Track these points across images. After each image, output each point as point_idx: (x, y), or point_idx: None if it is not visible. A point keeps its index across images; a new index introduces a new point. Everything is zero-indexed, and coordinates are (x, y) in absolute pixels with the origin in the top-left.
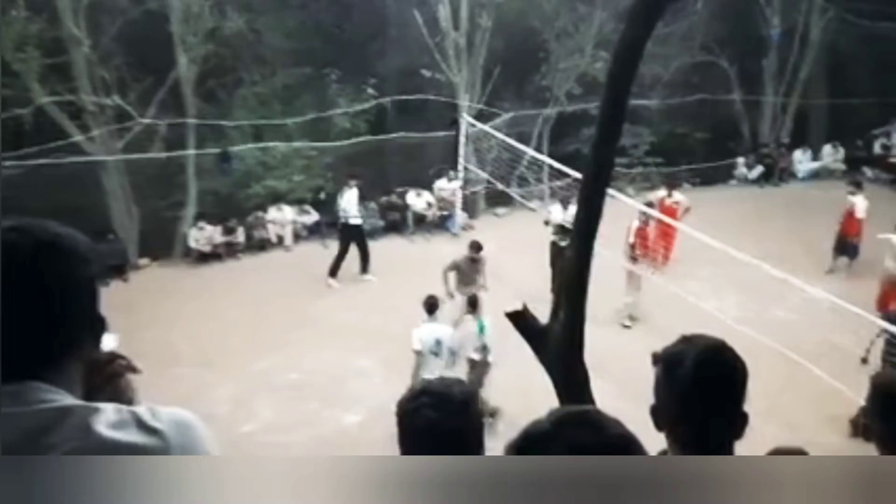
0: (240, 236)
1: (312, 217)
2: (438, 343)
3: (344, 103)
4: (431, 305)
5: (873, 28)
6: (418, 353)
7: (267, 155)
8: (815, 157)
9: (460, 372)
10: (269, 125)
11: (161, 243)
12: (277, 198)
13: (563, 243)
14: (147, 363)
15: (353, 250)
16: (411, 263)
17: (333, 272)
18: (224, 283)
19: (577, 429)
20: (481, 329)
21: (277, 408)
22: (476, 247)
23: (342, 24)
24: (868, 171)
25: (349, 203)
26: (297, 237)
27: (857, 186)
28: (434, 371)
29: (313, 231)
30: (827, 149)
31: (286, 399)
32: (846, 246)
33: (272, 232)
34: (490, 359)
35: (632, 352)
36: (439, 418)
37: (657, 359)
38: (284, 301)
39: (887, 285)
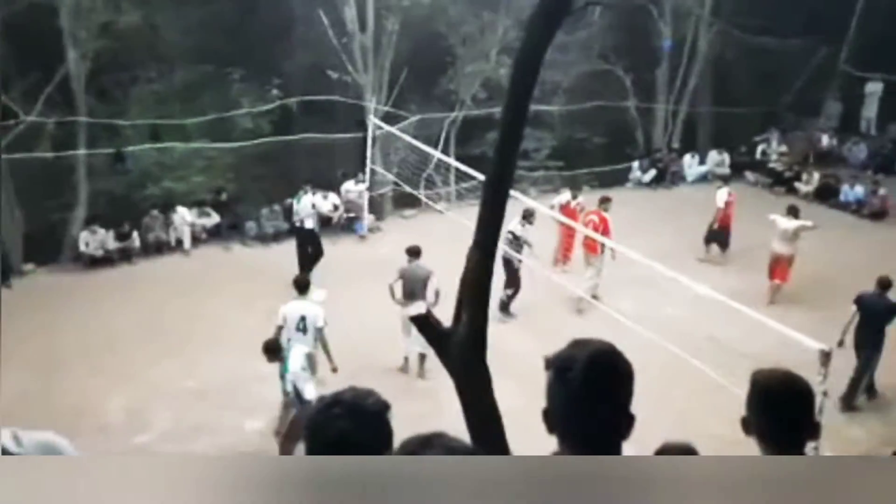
0: (135, 241)
1: (213, 219)
2: (303, 319)
3: (247, 103)
4: (302, 285)
5: (753, 41)
6: (280, 329)
7: (164, 155)
8: (703, 162)
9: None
10: (168, 125)
11: (48, 248)
12: (175, 199)
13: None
14: (34, 373)
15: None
16: (316, 266)
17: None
18: (118, 289)
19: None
20: (285, 371)
21: (175, 416)
22: (413, 252)
23: (246, 22)
24: (750, 176)
25: (305, 208)
26: (196, 240)
27: (724, 181)
28: (298, 346)
29: (213, 234)
30: (713, 154)
31: (184, 407)
32: (714, 234)
33: (171, 234)
34: (309, 395)
35: (536, 351)
36: (352, 430)
37: (549, 363)
38: (182, 306)
39: (773, 261)
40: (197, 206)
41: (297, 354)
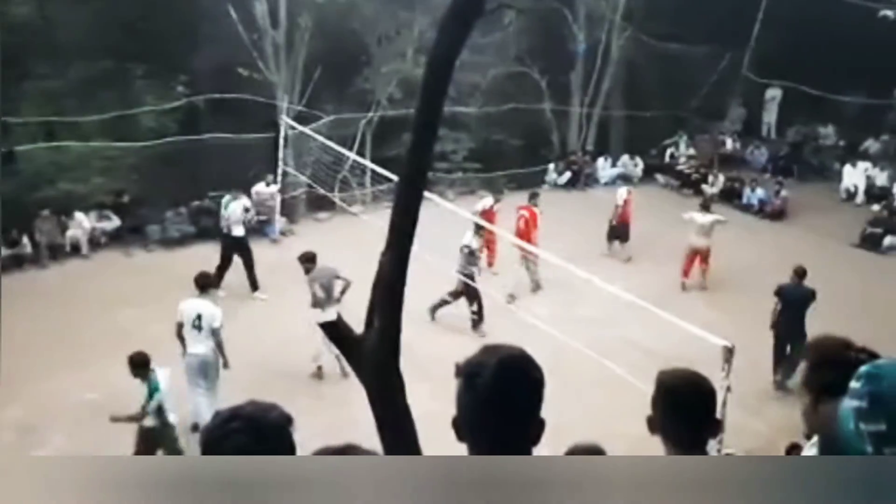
0: (26, 247)
1: (114, 223)
2: (199, 317)
3: (151, 101)
4: (202, 283)
5: (663, 47)
6: (180, 325)
7: (60, 155)
8: (615, 165)
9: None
10: (63, 123)
11: None
12: (73, 202)
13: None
14: None
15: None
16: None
17: (216, 284)
18: (8, 298)
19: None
20: (154, 391)
21: (72, 432)
22: (307, 259)
23: (150, 15)
24: (660, 178)
25: (234, 213)
26: (96, 245)
27: (626, 181)
28: (196, 344)
29: (114, 238)
30: (625, 157)
31: (82, 421)
32: (614, 230)
33: (66, 238)
34: (172, 419)
35: (455, 355)
36: (251, 444)
37: (459, 370)
38: (81, 315)
39: (691, 254)
40: (96, 208)
41: (165, 375)
